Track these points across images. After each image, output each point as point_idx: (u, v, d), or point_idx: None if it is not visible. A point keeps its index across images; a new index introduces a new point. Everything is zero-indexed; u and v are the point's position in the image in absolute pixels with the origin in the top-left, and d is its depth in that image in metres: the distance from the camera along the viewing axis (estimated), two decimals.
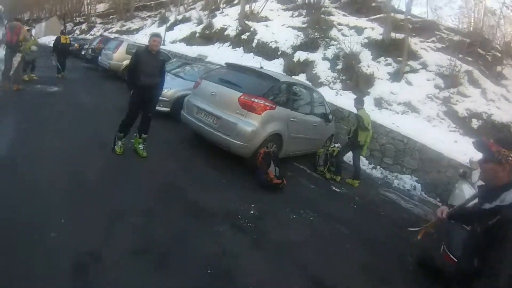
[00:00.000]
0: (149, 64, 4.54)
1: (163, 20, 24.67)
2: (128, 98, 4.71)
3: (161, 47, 4.98)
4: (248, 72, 5.69)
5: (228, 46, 16.43)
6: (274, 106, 5.05)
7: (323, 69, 12.08)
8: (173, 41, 18.34)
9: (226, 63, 6.33)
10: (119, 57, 11.97)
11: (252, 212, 3.99)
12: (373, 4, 17.48)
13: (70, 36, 15.30)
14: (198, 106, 5.37)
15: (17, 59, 7.55)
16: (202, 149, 5.74)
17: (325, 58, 12.61)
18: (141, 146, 4.83)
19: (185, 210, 3.62)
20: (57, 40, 11.38)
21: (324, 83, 11.55)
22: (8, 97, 6.82)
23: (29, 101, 6.81)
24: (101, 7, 41.93)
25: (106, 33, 26.96)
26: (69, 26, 39.42)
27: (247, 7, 17.78)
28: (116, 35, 23.48)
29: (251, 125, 4.81)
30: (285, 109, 5.42)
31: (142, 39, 20.77)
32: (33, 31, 11.77)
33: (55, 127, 5.37)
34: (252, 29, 15.93)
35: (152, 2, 33.84)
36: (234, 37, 16.57)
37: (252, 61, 13.55)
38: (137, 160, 4.68)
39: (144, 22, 29.19)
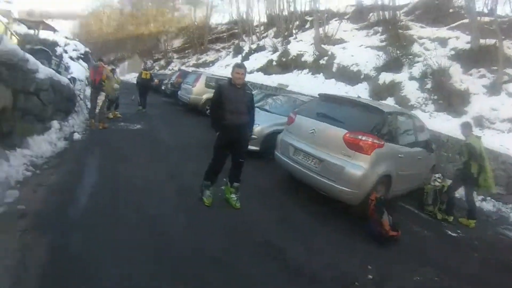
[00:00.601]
0: (234, 100, 4.04)
1: (237, 51, 25.49)
2: (213, 139, 4.28)
3: None
4: (347, 104, 5.10)
5: (308, 73, 16.02)
6: (382, 143, 4.37)
7: (411, 90, 10.98)
8: (250, 71, 18.31)
9: (319, 94, 5.76)
10: (198, 91, 12.18)
11: (370, 276, 3.33)
12: (451, 11, 15.96)
13: (151, 71, 16.27)
14: (295, 146, 4.90)
15: (101, 98, 7.98)
16: (299, 193, 5.21)
17: (412, 78, 11.49)
18: (233, 196, 4.34)
19: (286, 275, 3.06)
20: (139, 76, 12.06)
21: (415, 106, 10.43)
22: (94, 136, 7.14)
23: (113, 140, 7.04)
24: (176, 43, 44.89)
25: (183, 67, 28.60)
26: (149, 62, 42.85)
27: (320, 30, 17.40)
28: (193, 68, 24.68)
29: (361, 168, 4.18)
30: (393, 145, 4.70)
31: (218, 70, 21.53)
32: (117, 70, 12.58)
33: (138, 169, 5.25)
34: (329, 53, 15.42)
35: (225, 34, 35.39)
36: (312, 62, 16.16)
37: (334, 87, 13.04)
38: (227, 211, 4.20)
39: (219, 54, 30.51)
